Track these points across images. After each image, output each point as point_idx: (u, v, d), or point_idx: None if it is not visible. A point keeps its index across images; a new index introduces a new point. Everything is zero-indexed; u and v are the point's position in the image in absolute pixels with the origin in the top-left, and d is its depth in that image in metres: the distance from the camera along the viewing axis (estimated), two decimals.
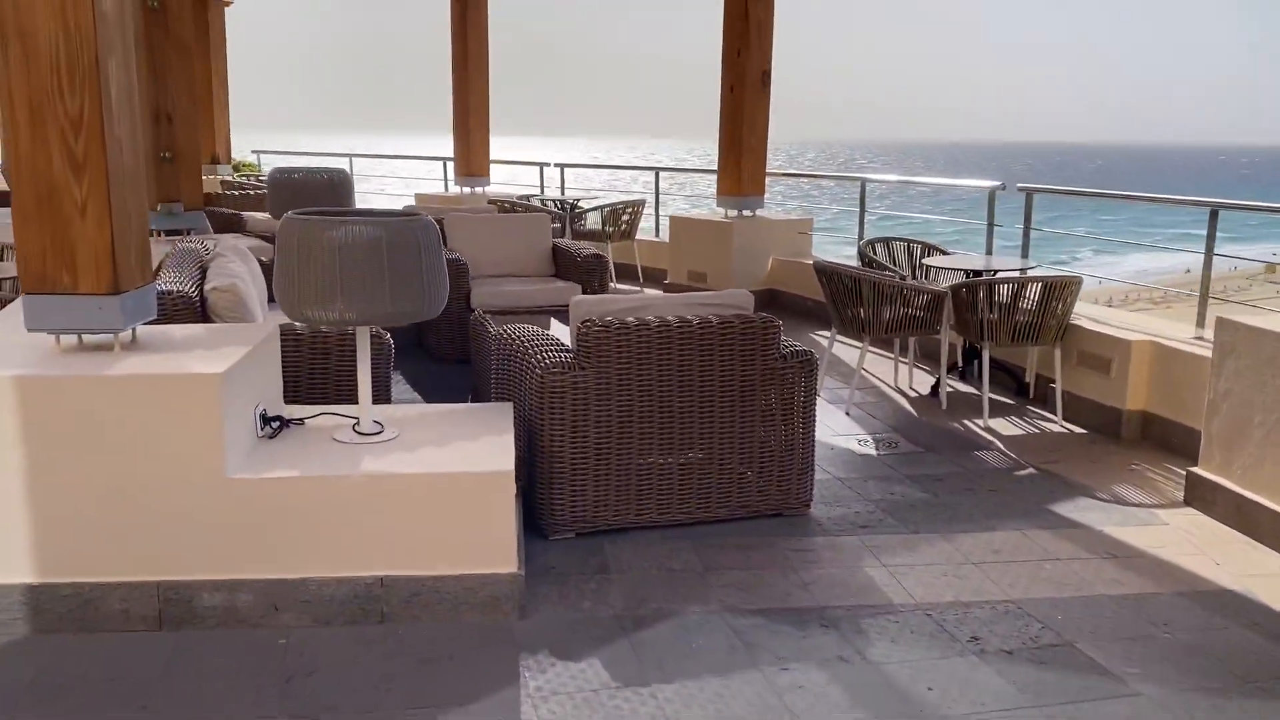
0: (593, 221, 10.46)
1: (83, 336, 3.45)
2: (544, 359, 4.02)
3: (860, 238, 8.84)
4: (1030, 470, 5.07)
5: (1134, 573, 3.86)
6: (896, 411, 6.12)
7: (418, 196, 12.52)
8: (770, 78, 9.18)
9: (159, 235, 6.60)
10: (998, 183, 7.33)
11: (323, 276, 3.34)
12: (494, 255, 7.40)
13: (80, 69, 3.16)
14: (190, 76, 6.54)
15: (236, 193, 11.27)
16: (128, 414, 3.17)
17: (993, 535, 4.20)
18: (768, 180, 9.78)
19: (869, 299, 5.95)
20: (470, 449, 3.55)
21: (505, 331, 4.61)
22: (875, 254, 7.03)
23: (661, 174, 11.34)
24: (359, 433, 3.65)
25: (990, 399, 5.96)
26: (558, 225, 10.34)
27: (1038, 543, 4.13)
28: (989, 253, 7.38)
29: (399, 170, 15.82)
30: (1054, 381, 5.93)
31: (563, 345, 4.24)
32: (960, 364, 6.72)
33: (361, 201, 14.29)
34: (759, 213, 9.50)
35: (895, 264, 7.05)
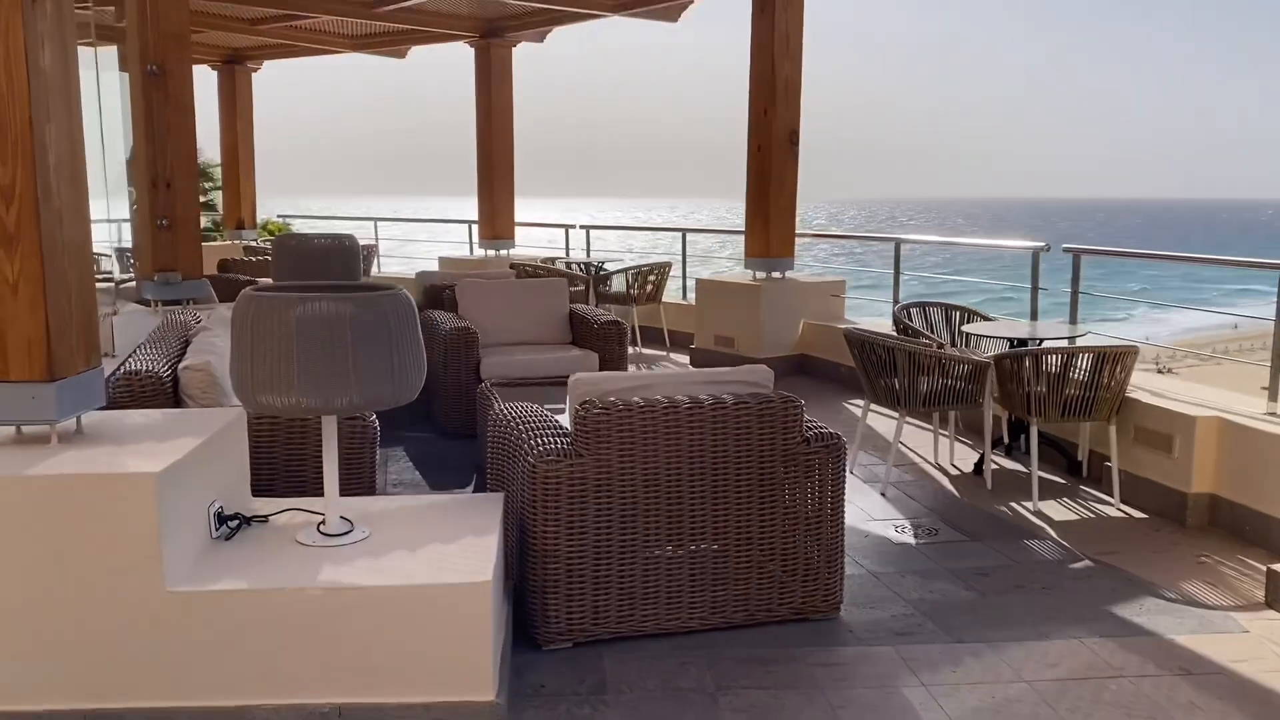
0: (618, 284, 10.11)
1: (21, 428, 3.10)
2: (537, 445, 3.61)
3: (895, 302, 8.40)
4: (1087, 562, 4.55)
5: (1213, 694, 3.34)
6: (937, 492, 5.63)
7: (441, 261, 12.28)
8: (799, 137, 8.84)
9: (156, 306, 6.32)
10: (1041, 243, 6.88)
11: (279, 359, 2.97)
12: (507, 322, 7.05)
13: (10, 133, 2.85)
14: (190, 142, 6.31)
15: (256, 259, 11.07)
16: (52, 519, 2.79)
17: (1048, 646, 3.69)
18: (802, 241, 9.41)
19: (904, 370, 5.50)
20: (447, 554, 3.13)
21: (502, 411, 4.21)
22: (911, 320, 6.59)
23: (689, 235, 11.01)
24: (324, 533, 3.24)
25: (1039, 477, 5.46)
26: (581, 288, 10.02)
27: (1100, 655, 3.62)
28: (1034, 318, 6.90)
29: (424, 234, 15.64)
30: (1109, 460, 5.42)
31: (561, 429, 3.83)
32: (1006, 439, 6.22)
33: (386, 265, 14.11)
34: (789, 275, 9.10)
35: (933, 330, 6.60)
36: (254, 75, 14.10)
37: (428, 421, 6.78)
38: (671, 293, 10.75)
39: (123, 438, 3.16)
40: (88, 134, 3.26)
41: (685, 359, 9.40)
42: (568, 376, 6.54)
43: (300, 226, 17.83)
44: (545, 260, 10.83)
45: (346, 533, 3.26)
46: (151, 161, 6.21)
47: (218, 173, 24.67)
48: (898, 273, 8.50)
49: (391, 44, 12.61)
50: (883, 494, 5.55)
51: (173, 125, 6.22)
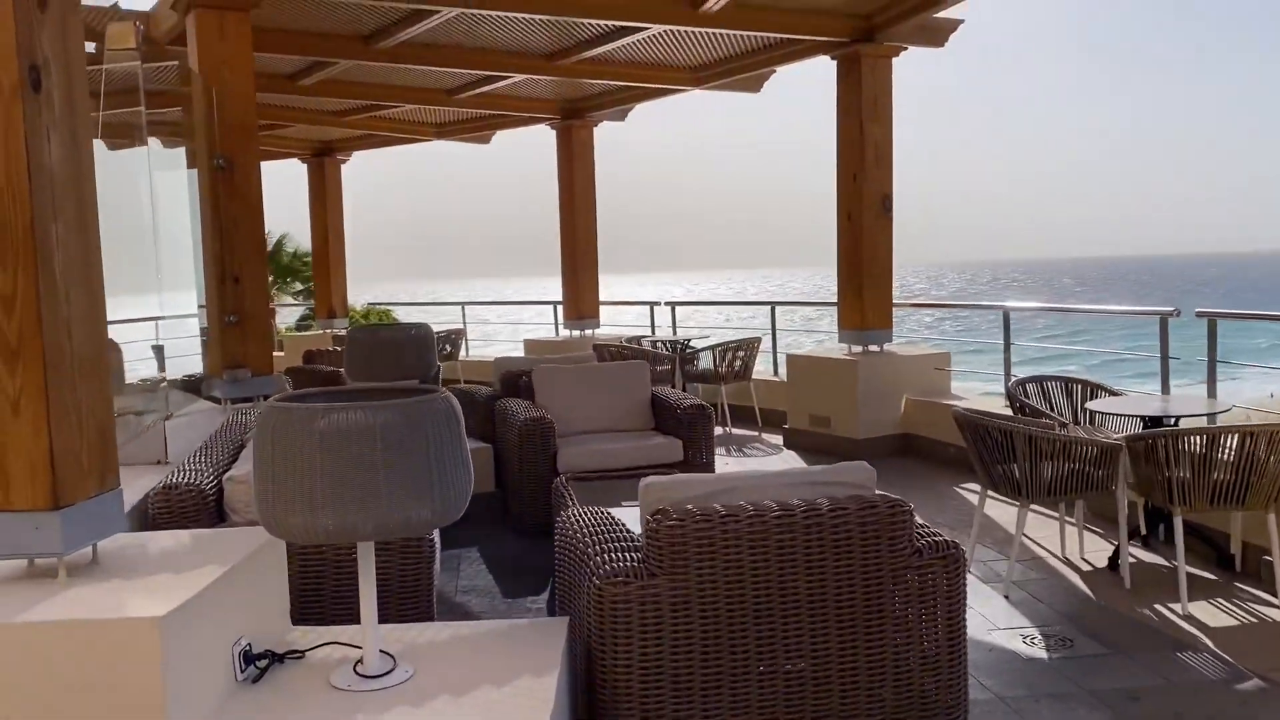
0: (705, 362, 9.69)
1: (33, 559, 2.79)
2: (603, 562, 3.17)
3: (1007, 374, 7.77)
4: (1255, 682, 3.87)
5: None
6: (1068, 592, 4.98)
7: (526, 343, 12.04)
8: (891, 202, 8.37)
9: (225, 404, 6.11)
10: (1170, 309, 6.23)
11: (302, 477, 2.60)
12: (586, 409, 6.66)
13: (11, 236, 2.58)
14: (258, 235, 6.17)
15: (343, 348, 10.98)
16: (45, 670, 2.45)
17: None
18: (901, 310, 8.87)
19: (1024, 455, 4.91)
20: (498, 701, 2.69)
21: (571, 516, 3.78)
22: (1027, 396, 5.99)
23: (779, 308, 10.55)
24: (361, 674, 2.84)
25: (1186, 573, 4.77)
26: (667, 368, 9.62)
27: None
28: (1165, 391, 6.23)
29: (512, 316, 15.50)
30: (1269, 554, 4.72)
31: (634, 539, 3.39)
32: (1144, 529, 5.53)
33: (475, 349, 13.96)
34: (887, 348, 8.55)
35: (1053, 408, 5.98)
36: (343, 165, 14.27)
37: (506, 518, 6.41)
38: (763, 369, 10.28)
39: (139, 569, 2.83)
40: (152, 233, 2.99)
41: (779, 439, 8.87)
42: (649, 468, 6.12)
43: (398, 314, 17.93)
44: (630, 340, 10.48)
45: (388, 672, 2.85)
46: (219, 257, 6.06)
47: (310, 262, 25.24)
48: (1008, 343, 7.88)
49: (475, 130, 12.60)
50: (1006, 596, 4.92)
51: (240, 219, 6.08)
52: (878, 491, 3.49)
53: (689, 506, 3.24)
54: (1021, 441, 4.91)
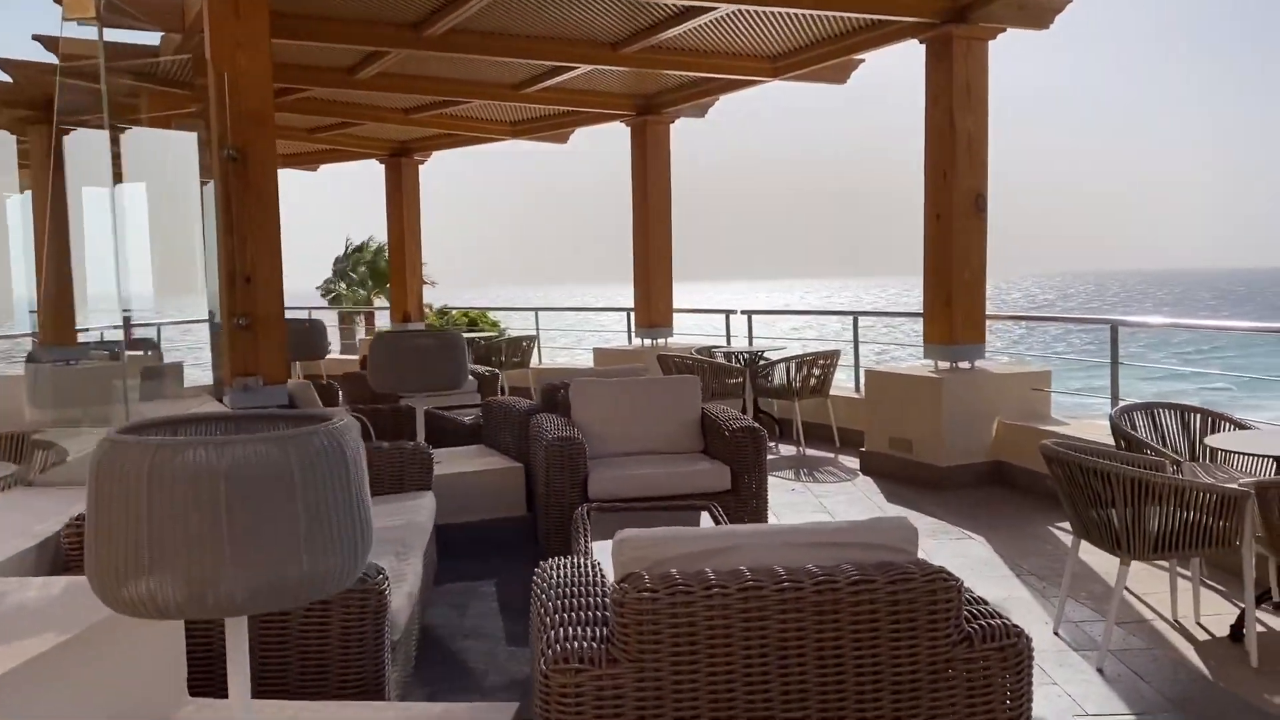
0: (779, 376, 8.93)
1: None
2: (555, 639, 2.50)
3: (1114, 399, 6.81)
4: None
5: None
6: (1178, 667, 4.10)
7: (596, 352, 11.46)
8: (986, 202, 7.48)
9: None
10: None
11: (128, 533, 2.00)
12: (626, 429, 6.00)
13: None
14: (274, 231, 5.68)
15: None
16: None
17: None
18: (993, 325, 7.97)
19: (1126, 499, 4.06)
20: None
21: (548, 569, 3.12)
22: (1134, 428, 5.09)
23: (863, 319, 9.70)
24: None
25: None
26: (739, 381, 8.90)
27: None
28: None
29: (588, 323, 14.94)
30: None
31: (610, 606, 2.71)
32: (1276, 592, 4.58)
33: (548, 357, 13.45)
34: (979, 364, 7.66)
35: (1165, 442, 5.08)
36: (421, 166, 13.94)
37: (534, 547, 5.79)
38: (844, 385, 9.46)
39: None
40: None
41: (856, 462, 8.05)
42: (691, 497, 5.43)
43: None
44: (701, 350, 9.78)
45: None
46: (230, 254, 5.60)
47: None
48: (1115, 363, 6.91)
49: (551, 127, 12.08)
50: (1100, 670, 4.07)
51: (253, 213, 5.60)
52: (919, 555, 2.74)
53: (670, 570, 2.55)
54: (1122, 484, 4.05)
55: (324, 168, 15.05)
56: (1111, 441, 5.87)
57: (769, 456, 8.59)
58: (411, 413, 6.38)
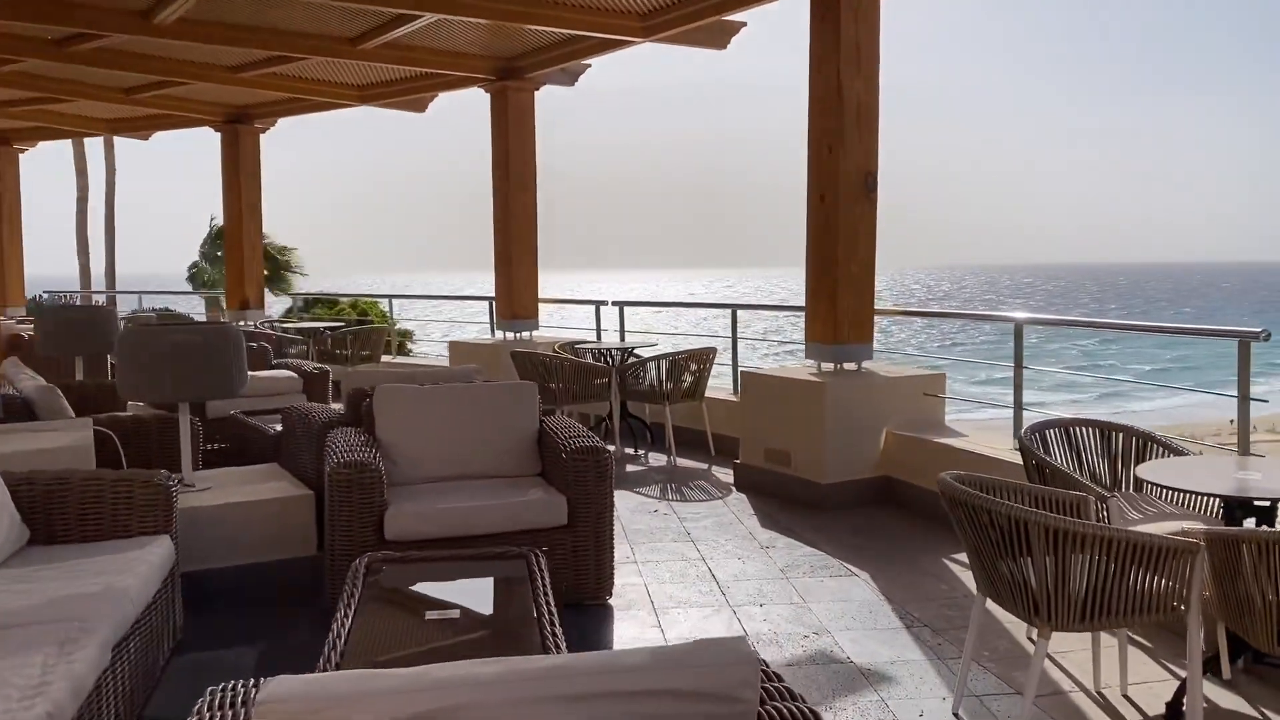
0: (650, 376, 7.92)
1: None
2: None
3: (1018, 409, 5.98)
4: None
5: None
6: None
7: (452, 346, 10.28)
8: (876, 181, 6.58)
9: None
10: (1258, 329, 4.42)
11: None
12: (445, 447, 4.90)
13: None
14: None
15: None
16: None
17: None
18: (881, 321, 7.11)
19: (1047, 549, 3.14)
20: None
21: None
22: (1048, 451, 4.21)
23: (742, 312, 8.76)
24: None
25: None
26: (605, 381, 7.86)
27: None
28: (1245, 451, 4.41)
29: (450, 312, 13.73)
30: None
31: None
32: (1227, 661, 3.74)
33: (416, 350, 12.19)
34: (866, 366, 6.77)
35: (1083, 468, 4.21)
36: (261, 135, 12.51)
37: (324, 595, 4.65)
38: (721, 386, 8.51)
39: None
40: None
41: (731, 475, 7.09)
42: (516, 536, 4.37)
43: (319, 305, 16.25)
44: (564, 346, 8.71)
45: None
46: None
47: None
48: (1020, 365, 6.08)
49: (402, 93, 10.82)
50: None
51: None
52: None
53: None
54: (1038, 534, 3.14)
55: (159, 136, 13.51)
56: (1017, 459, 5.03)
57: (637, 468, 7.66)
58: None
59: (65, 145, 23.53)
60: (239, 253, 12.39)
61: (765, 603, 4.65)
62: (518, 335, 9.89)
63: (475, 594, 3.52)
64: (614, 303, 9.72)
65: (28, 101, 11.65)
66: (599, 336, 9.88)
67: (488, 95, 9.90)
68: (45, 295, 15.11)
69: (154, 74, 10.11)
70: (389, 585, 3.53)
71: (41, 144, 15.11)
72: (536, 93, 9.91)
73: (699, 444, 8.06)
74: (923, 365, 7.47)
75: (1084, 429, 4.33)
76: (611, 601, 4.66)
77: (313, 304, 19.57)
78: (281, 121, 12.61)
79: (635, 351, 8.50)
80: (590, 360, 8.24)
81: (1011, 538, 3.25)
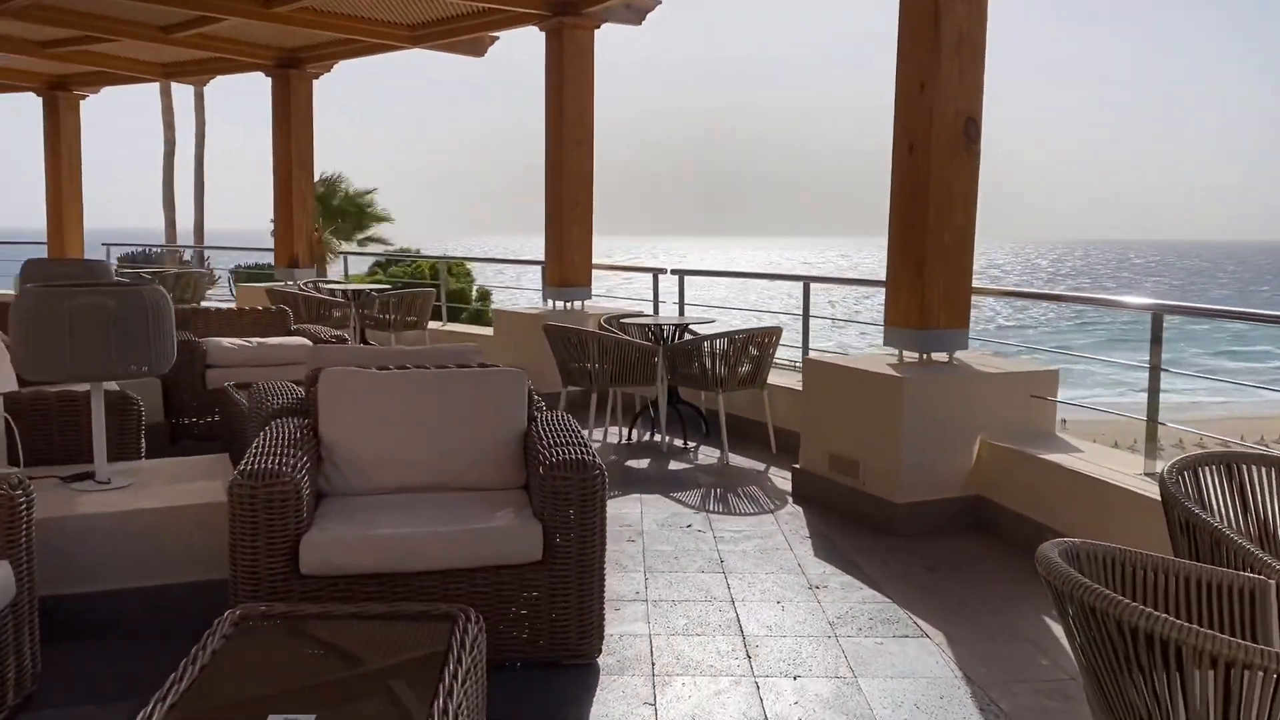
0: (704, 358, 6.80)
1: None
2: None
3: (1151, 418, 4.68)
4: None
5: None
6: None
7: (496, 315, 9.30)
8: (979, 130, 5.31)
9: None
10: None
11: None
12: (403, 449, 3.89)
13: None
14: None
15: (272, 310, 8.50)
16: None
17: None
18: (979, 304, 5.84)
19: (1203, 686, 1.97)
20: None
21: None
22: (1203, 501, 2.97)
23: (815, 286, 7.54)
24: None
25: None
26: (653, 361, 6.79)
27: None
28: None
29: (507, 276, 12.76)
30: None
31: None
32: None
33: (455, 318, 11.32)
34: (959, 357, 5.54)
35: (1262, 527, 2.96)
36: (315, 82, 11.68)
37: None
38: (789, 373, 7.34)
39: None
40: None
41: (790, 483, 5.93)
42: (472, 574, 3.33)
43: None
44: (609, 319, 7.64)
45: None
46: None
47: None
48: (1158, 370, 4.76)
49: (458, 32, 9.81)
50: None
51: None
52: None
53: None
54: (1198, 659, 1.96)
55: (251, 86, 12.84)
56: (1153, 491, 3.80)
57: (680, 466, 6.54)
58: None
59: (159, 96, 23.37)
60: (288, 207, 11.62)
61: (801, 673, 3.54)
62: (568, 305, 8.86)
63: (356, 684, 2.50)
64: (673, 271, 8.58)
65: (70, 41, 11.04)
66: (656, 309, 8.77)
67: (543, 34, 8.83)
68: (109, 249, 14.70)
69: (189, 8, 9.32)
70: (240, 661, 2.54)
71: (133, 95, 14.62)
72: (597, 31, 8.80)
73: (759, 438, 6.92)
74: (1033, 359, 6.19)
75: (1257, 468, 3.07)
76: (601, 660, 3.61)
77: (386, 264, 18.91)
78: (338, 76, 11.78)
79: (691, 328, 7.39)
80: (634, 337, 7.16)
81: (1151, 656, 2.08)
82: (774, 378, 7.02)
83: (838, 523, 5.27)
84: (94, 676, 3.42)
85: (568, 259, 8.87)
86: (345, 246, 22.44)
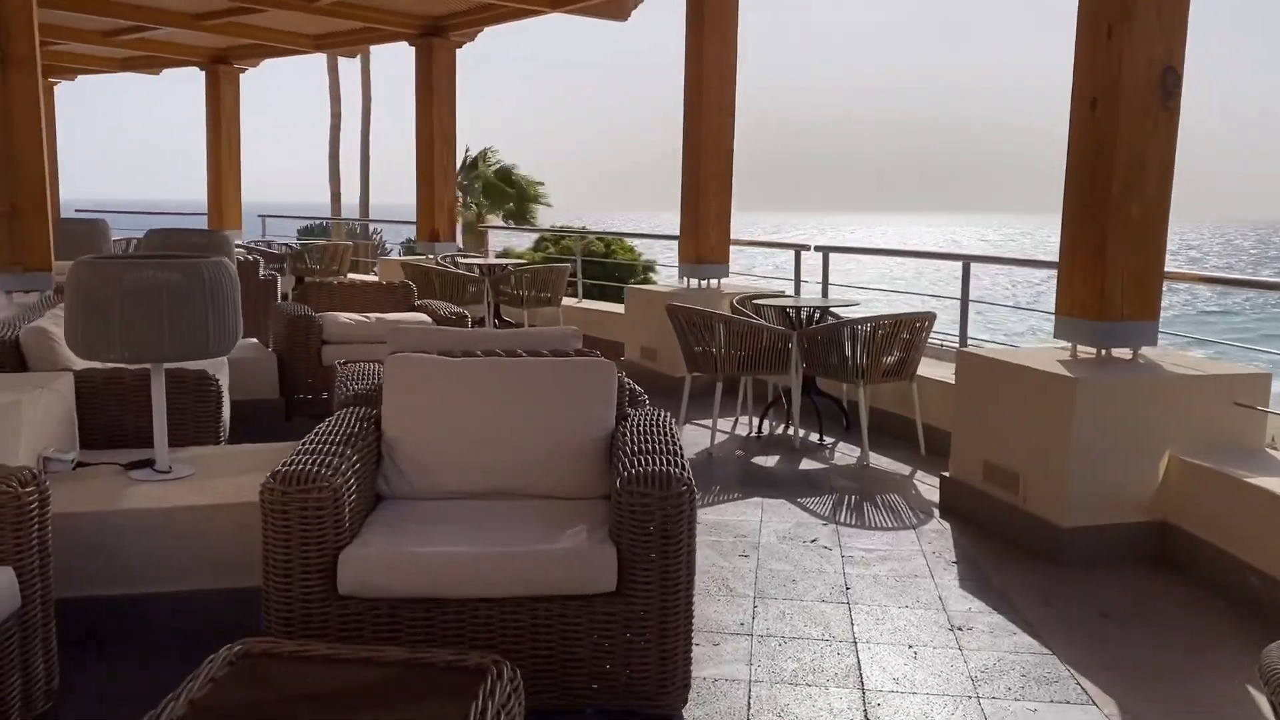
0: (846, 344, 6.09)
1: None
2: None
3: None
4: None
5: None
6: None
7: (630, 293, 8.78)
8: (1180, 82, 4.41)
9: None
10: None
11: None
12: (475, 449, 3.40)
13: None
14: (34, 119, 3.56)
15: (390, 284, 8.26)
16: None
17: None
18: (1172, 289, 4.91)
19: None
20: None
21: None
22: None
23: (976, 267, 6.67)
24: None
25: None
26: (783, 347, 6.15)
27: None
28: None
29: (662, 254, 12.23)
30: None
31: None
32: None
33: (590, 297, 10.91)
34: (1146, 354, 4.67)
35: None
36: (458, 50, 11.42)
37: None
38: (940, 363, 6.54)
39: None
40: None
41: (938, 491, 5.19)
42: (540, 604, 2.78)
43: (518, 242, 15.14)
44: (742, 299, 7.00)
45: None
46: None
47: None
48: None
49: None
50: None
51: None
52: None
53: None
54: None
55: (385, 55, 12.77)
56: None
57: (813, 466, 5.83)
58: None
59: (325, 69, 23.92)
60: (429, 179, 11.43)
61: None
62: (703, 283, 8.26)
63: None
64: (817, 248, 7.85)
65: (225, 13, 11.12)
66: (797, 290, 8.07)
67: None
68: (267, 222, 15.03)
69: None
70: (221, 712, 2.10)
71: (293, 67, 14.83)
72: None
73: (907, 437, 6.17)
74: (1237, 359, 5.24)
75: None
76: (686, 713, 3.04)
77: (555, 239, 18.66)
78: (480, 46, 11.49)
79: (833, 311, 6.68)
80: (769, 320, 6.51)
81: None
82: (926, 369, 6.25)
83: (991, 546, 4.52)
84: (114, 687, 3.09)
85: (704, 234, 8.26)
86: (495, 222, 22.45)
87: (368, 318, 7.11)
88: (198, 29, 11.63)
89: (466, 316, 7.20)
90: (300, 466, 2.92)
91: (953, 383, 5.83)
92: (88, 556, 3.25)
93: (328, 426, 3.37)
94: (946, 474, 5.10)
